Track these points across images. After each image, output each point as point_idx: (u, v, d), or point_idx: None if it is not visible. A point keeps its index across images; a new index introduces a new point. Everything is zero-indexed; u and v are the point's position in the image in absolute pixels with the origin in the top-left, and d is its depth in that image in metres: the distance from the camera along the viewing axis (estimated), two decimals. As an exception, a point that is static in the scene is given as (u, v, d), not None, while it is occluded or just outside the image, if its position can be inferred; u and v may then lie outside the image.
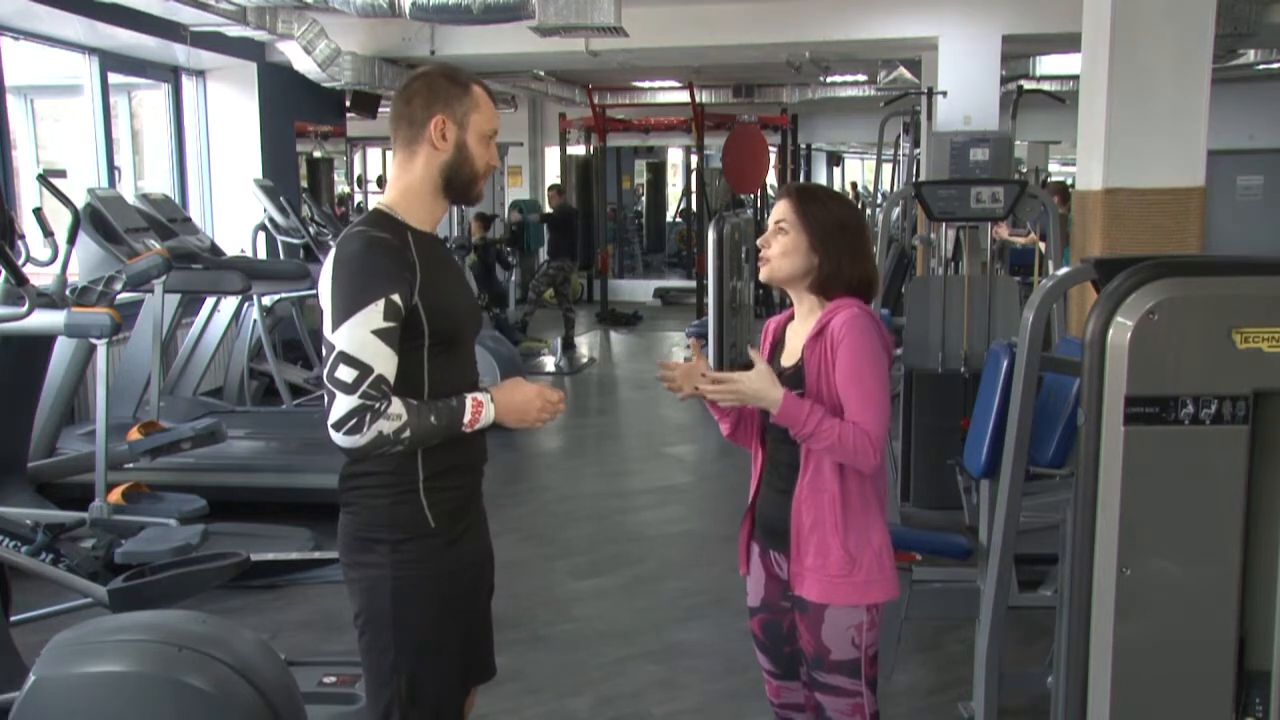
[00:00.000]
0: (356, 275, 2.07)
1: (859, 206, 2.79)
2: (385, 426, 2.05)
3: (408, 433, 2.08)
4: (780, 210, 2.49)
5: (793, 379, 2.44)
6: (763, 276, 2.52)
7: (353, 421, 2.04)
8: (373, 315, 2.05)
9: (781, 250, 2.46)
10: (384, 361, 2.07)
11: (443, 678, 2.25)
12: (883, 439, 2.35)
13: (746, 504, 2.65)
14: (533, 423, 2.26)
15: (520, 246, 13.46)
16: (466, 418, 2.15)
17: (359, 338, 2.05)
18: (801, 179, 17.19)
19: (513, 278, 12.74)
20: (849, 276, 2.44)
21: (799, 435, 2.36)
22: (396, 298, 2.08)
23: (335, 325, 2.07)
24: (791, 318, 2.58)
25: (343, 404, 2.04)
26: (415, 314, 2.12)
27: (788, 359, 2.51)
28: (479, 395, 2.19)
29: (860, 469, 2.38)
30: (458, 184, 2.23)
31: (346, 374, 2.04)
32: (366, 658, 2.25)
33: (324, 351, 2.09)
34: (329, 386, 2.06)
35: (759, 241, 2.52)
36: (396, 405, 2.07)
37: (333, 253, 2.13)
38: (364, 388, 2.04)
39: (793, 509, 2.43)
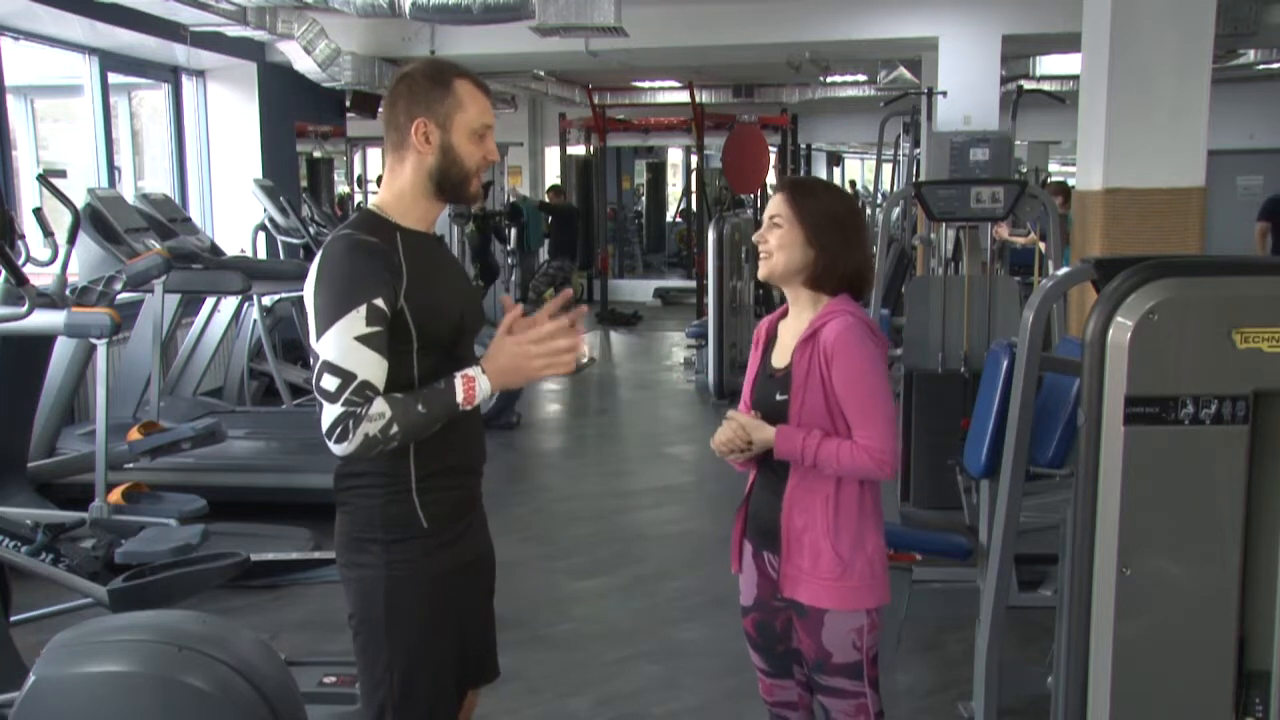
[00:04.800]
0: (338, 281, 2.06)
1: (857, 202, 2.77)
2: (370, 428, 2.04)
3: (395, 428, 2.06)
4: (775, 205, 2.48)
5: (782, 383, 2.44)
6: (761, 274, 2.50)
7: (339, 429, 2.04)
8: (355, 321, 2.03)
9: (778, 244, 2.44)
10: (368, 367, 2.05)
11: (436, 678, 2.24)
12: (891, 450, 2.34)
13: (740, 500, 2.64)
14: (539, 371, 2.20)
15: (518, 223, 13.42)
16: (459, 397, 2.12)
17: (342, 345, 2.04)
18: (802, 179, 17.18)
19: (510, 261, 12.67)
20: (844, 269, 2.43)
21: (804, 466, 2.37)
22: (379, 302, 2.05)
23: (319, 333, 2.06)
24: (785, 314, 2.55)
25: (329, 413, 2.05)
26: (401, 317, 2.09)
27: (779, 359, 2.49)
28: (469, 371, 2.15)
29: (878, 479, 2.39)
30: (448, 185, 2.20)
31: (330, 383, 2.04)
32: (361, 657, 2.24)
33: (312, 360, 2.09)
34: (317, 396, 2.06)
35: (755, 238, 2.51)
36: (378, 405, 2.05)
37: (317, 257, 2.12)
38: (346, 395, 2.03)
39: (783, 510, 2.42)
